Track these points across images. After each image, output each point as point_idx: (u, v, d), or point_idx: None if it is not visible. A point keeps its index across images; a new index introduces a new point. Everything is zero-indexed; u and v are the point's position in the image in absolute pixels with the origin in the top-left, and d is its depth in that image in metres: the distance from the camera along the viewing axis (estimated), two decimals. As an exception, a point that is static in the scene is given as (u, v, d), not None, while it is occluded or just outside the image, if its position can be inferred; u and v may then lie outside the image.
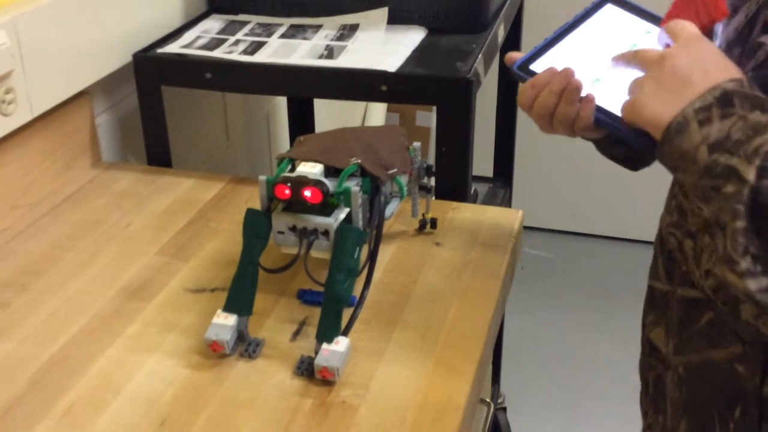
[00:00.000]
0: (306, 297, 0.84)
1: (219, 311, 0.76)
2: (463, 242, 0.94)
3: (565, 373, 2.04)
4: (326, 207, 0.78)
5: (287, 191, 0.76)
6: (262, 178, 0.78)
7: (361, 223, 0.79)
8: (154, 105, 1.14)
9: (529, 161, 2.43)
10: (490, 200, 1.66)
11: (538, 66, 0.76)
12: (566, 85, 0.71)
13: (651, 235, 2.82)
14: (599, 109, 0.72)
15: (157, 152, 1.17)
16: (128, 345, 0.79)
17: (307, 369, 0.74)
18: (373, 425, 0.68)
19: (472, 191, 1.15)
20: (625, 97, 0.68)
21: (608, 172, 2.49)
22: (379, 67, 1.05)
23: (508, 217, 1.00)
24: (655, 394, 0.87)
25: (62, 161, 1.09)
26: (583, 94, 0.72)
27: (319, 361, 0.72)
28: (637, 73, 0.69)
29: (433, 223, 0.96)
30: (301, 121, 1.67)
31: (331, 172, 0.80)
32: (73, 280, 0.89)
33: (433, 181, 0.95)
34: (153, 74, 1.13)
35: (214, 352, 0.76)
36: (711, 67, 0.63)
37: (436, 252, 0.93)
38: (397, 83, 1.04)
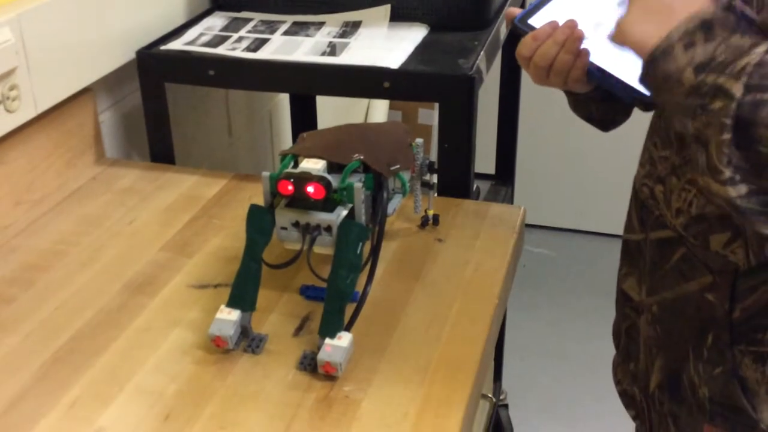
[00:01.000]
0: (309, 293, 0.85)
1: (222, 307, 0.77)
2: (465, 239, 0.95)
3: (567, 370, 2.04)
4: (329, 203, 0.78)
5: (290, 187, 0.77)
6: (266, 174, 0.79)
7: (363, 219, 0.80)
8: (157, 102, 1.15)
9: (531, 159, 2.43)
10: (491, 197, 1.66)
11: (536, 20, 0.80)
12: (569, 35, 0.77)
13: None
14: (591, 63, 0.77)
15: (160, 149, 1.18)
16: (133, 340, 0.79)
17: (309, 364, 0.74)
18: (375, 420, 0.69)
19: (474, 188, 1.15)
20: (614, 52, 0.73)
21: (610, 169, 2.49)
22: (381, 64, 1.06)
23: (511, 214, 1.00)
24: (628, 341, 0.92)
25: (66, 158, 1.10)
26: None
27: (322, 356, 0.73)
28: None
29: (435, 219, 0.96)
30: (304, 119, 1.67)
31: (334, 168, 0.81)
32: (78, 276, 0.89)
33: (435, 178, 0.96)
34: (156, 71, 1.13)
35: (217, 348, 0.76)
36: None
37: (439, 248, 0.93)
38: (399, 80, 1.04)
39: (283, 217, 0.79)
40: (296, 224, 0.78)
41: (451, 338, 0.78)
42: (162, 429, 0.68)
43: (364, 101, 2.27)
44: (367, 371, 0.74)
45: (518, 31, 0.81)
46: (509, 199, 1.71)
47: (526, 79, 1.65)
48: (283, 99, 1.70)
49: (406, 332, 0.79)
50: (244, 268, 0.78)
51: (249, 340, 0.78)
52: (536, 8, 0.82)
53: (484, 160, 1.48)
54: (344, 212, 0.78)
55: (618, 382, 0.95)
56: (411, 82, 1.04)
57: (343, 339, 0.74)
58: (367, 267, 0.79)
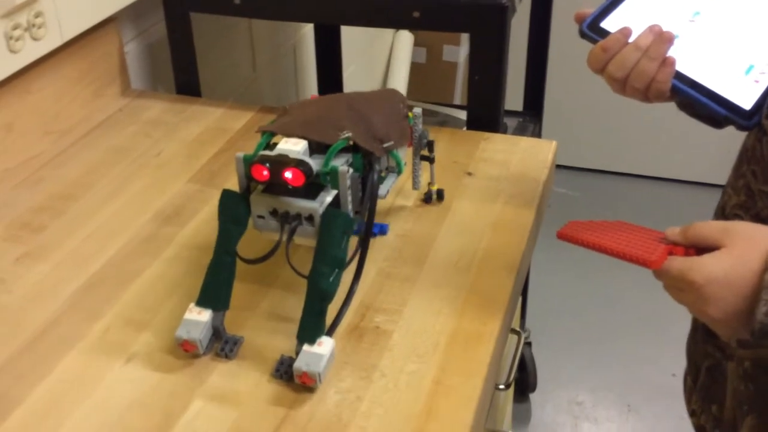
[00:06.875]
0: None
1: (191, 306, 0.68)
2: (495, 173, 0.93)
3: (589, 310, 2.04)
4: (312, 187, 0.69)
5: (265, 173, 0.67)
6: (239, 155, 0.69)
7: (350, 206, 0.70)
8: (182, 32, 1.13)
9: (559, 96, 2.38)
10: (519, 134, 1.64)
11: (612, 22, 0.70)
12: (654, 39, 0.67)
13: (680, 173, 2.78)
14: (677, 75, 0.68)
15: (185, 81, 1.16)
16: (164, 269, 0.79)
17: (286, 372, 0.66)
18: (406, 349, 0.69)
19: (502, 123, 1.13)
20: (705, 60, 0.65)
21: (638, 110, 2.44)
22: (411, -7, 1.03)
23: (541, 148, 0.98)
24: (709, 382, 0.82)
25: (92, 88, 1.09)
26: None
27: (299, 364, 0.64)
28: (721, 34, 0.68)
29: (440, 195, 0.88)
30: (328, 53, 1.64)
31: (320, 147, 0.71)
32: (107, 206, 0.89)
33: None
34: (181, 0, 1.11)
35: (185, 352, 0.68)
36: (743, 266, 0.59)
37: (468, 182, 0.92)
38: (429, 9, 1.01)
39: (259, 204, 0.69)
40: (274, 212, 0.69)
41: (481, 271, 0.78)
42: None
43: (389, 36, 2.23)
44: (398, 303, 0.74)
45: (587, 39, 0.70)
46: (537, 136, 1.68)
47: (557, 10, 1.60)
48: (308, 33, 1.68)
49: (436, 264, 0.79)
50: (217, 262, 0.69)
51: (222, 343, 0.69)
52: (612, 5, 0.70)
53: (512, 96, 1.45)
54: (328, 199, 0.68)
55: (693, 413, 0.86)
56: (441, 12, 1.02)
57: (324, 345, 0.65)
58: (355, 261, 0.70)
